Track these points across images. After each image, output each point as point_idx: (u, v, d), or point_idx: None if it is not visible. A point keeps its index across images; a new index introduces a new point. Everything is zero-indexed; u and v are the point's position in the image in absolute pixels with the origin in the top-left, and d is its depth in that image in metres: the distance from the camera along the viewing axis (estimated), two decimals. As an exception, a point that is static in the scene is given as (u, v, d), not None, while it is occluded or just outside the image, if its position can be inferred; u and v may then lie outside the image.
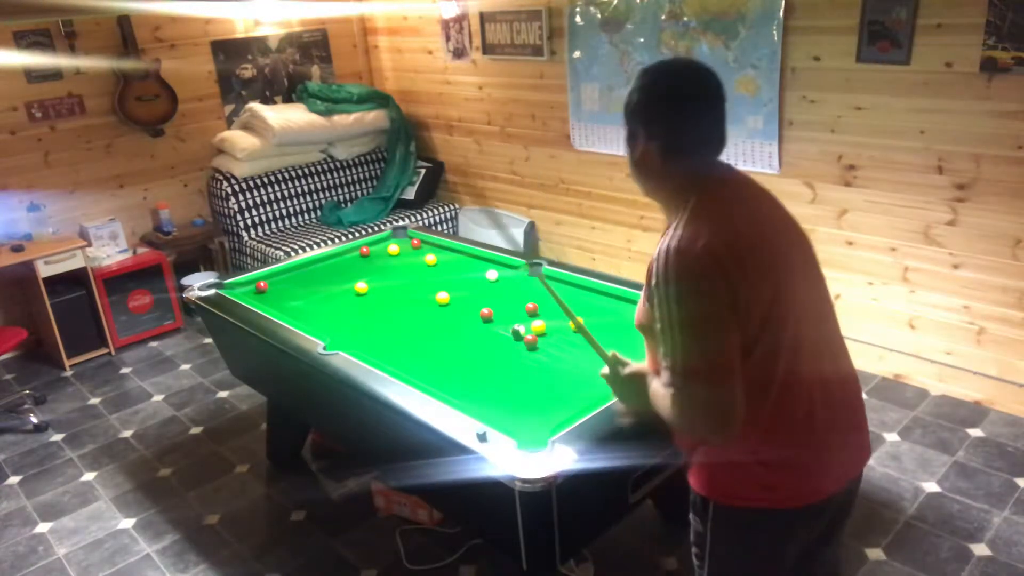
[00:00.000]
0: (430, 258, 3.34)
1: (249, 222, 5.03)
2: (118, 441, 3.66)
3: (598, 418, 2.00)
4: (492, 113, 5.06)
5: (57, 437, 3.73)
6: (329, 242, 4.65)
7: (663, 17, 3.93)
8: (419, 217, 5.29)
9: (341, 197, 5.43)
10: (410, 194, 5.43)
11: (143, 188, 4.94)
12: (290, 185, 5.20)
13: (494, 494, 1.84)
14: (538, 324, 2.58)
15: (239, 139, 5.00)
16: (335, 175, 5.41)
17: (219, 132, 5.14)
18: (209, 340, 4.47)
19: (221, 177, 5.03)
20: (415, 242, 3.57)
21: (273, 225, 5.14)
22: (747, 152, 3.77)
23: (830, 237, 3.63)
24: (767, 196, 1.56)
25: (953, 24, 3.05)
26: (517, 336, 2.53)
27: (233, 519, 3.05)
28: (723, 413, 1.37)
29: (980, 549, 2.62)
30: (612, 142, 4.41)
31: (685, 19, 3.85)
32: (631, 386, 1.66)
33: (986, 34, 2.97)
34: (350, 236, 4.65)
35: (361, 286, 3.04)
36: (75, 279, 4.40)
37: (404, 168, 5.47)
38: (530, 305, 2.73)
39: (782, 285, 1.44)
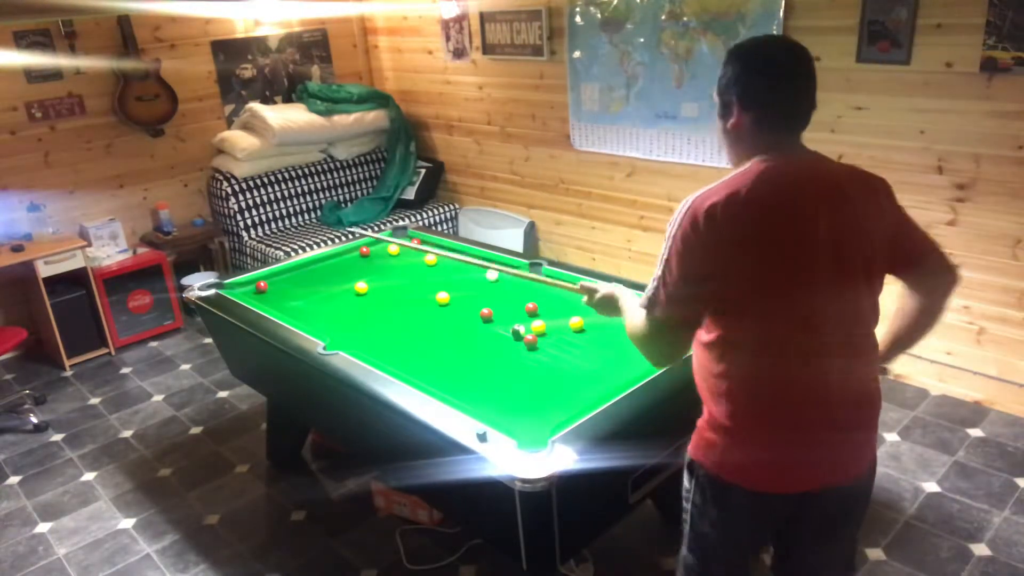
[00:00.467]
0: (430, 258, 3.34)
1: (249, 222, 5.03)
2: (118, 441, 3.66)
3: (598, 418, 2.00)
4: (492, 113, 5.06)
5: (57, 437, 3.73)
6: (329, 242, 4.65)
7: (663, 17, 3.93)
8: (419, 217, 5.29)
9: (341, 197, 5.43)
10: (410, 194, 5.43)
11: (143, 188, 4.95)
12: (290, 185, 5.20)
13: (494, 494, 1.84)
14: (538, 324, 2.58)
15: (239, 139, 5.00)
16: (335, 175, 5.41)
17: (219, 132, 5.14)
18: (209, 340, 4.47)
19: (221, 177, 5.03)
20: (415, 242, 3.57)
21: (273, 225, 5.14)
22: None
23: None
24: (829, 190, 1.49)
25: (953, 24, 3.05)
26: (517, 336, 2.53)
27: (233, 519, 3.05)
28: (667, 344, 1.58)
29: (980, 549, 2.62)
30: (612, 142, 4.41)
31: (685, 19, 3.85)
32: (609, 305, 2.01)
33: (986, 34, 2.97)
34: (350, 236, 4.64)
35: (361, 286, 3.04)
36: (75, 279, 4.40)
37: (404, 168, 5.47)
38: (530, 305, 2.73)
39: (785, 267, 1.46)
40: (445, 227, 5.41)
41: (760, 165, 1.49)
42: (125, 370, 4.38)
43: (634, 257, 4.59)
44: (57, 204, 4.57)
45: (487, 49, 4.88)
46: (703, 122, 3.93)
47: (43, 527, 3.09)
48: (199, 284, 3.09)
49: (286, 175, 5.20)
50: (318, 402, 2.75)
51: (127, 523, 3.07)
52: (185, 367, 4.35)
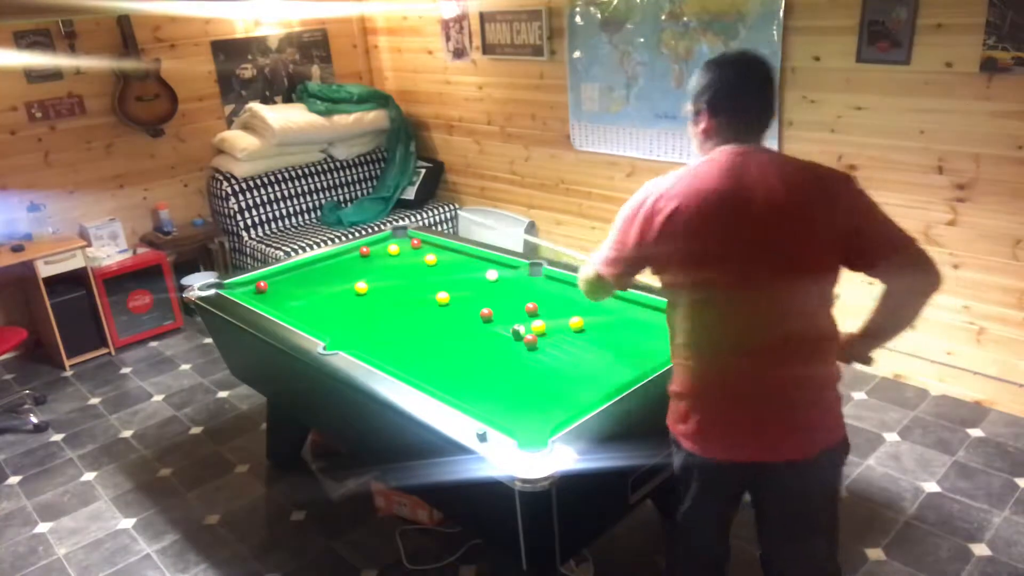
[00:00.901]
0: (430, 258, 3.34)
1: (249, 222, 5.03)
2: (118, 441, 3.66)
3: (598, 418, 2.00)
4: (492, 113, 5.06)
5: (57, 437, 3.73)
6: (329, 242, 4.65)
7: (663, 17, 3.93)
8: (419, 217, 5.29)
9: (341, 197, 5.43)
10: (410, 194, 5.43)
11: (143, 188, 4.95)
12: (290, 185, 5.20)
13: (494, 494, 1.84)
14: (538, 324, 2.58)
15: (239, 139, 5.00)
16: (335, 175, 5.41)
17: (219, 132, 5.14)
18: (209, 340, 4.47)
19: (221, 177, 5.03)
20: (415, 242, 3.57)
21: (273, 225, 5.14)
22: (747, 152, 3.76)
23: (830, 237, 3.62)
24: (768, 187, 1.62)
25: (953, 24, 3.05)
26: (517, 336, 2.53)
27: (233, 519, 3.05)
28: (600, 291, 1.98)
29: (980, 549, 2.62)
30: (612, 142, 4.41)
31: (685, 19, 3.85)
32: None
33: (986, 34, 2.97)
34: (350, 236, 4.65)
35: (361, 286, 3.04)
36: (75, 279, 4.40)
37: (404, 168, 5.47)
38: (530, 305, 2.73)
39: (719, 254, 1.63)
40: (445, 227, 5.41)
41: (719, 158, 1.67)
42: (125, 370, 4.38)
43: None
44: (57, 204, 4.57)
45: (487, 49, 4.88)
46: (703, 122, 3.93)
47: (43, 527, 3.09)
48: (199, 284, 3.09)
49: (286, 175, 5.20)
50: (318, 402, 2.75)
51: (127, 523, 3.07)
52: (185, 367, 4.35)
